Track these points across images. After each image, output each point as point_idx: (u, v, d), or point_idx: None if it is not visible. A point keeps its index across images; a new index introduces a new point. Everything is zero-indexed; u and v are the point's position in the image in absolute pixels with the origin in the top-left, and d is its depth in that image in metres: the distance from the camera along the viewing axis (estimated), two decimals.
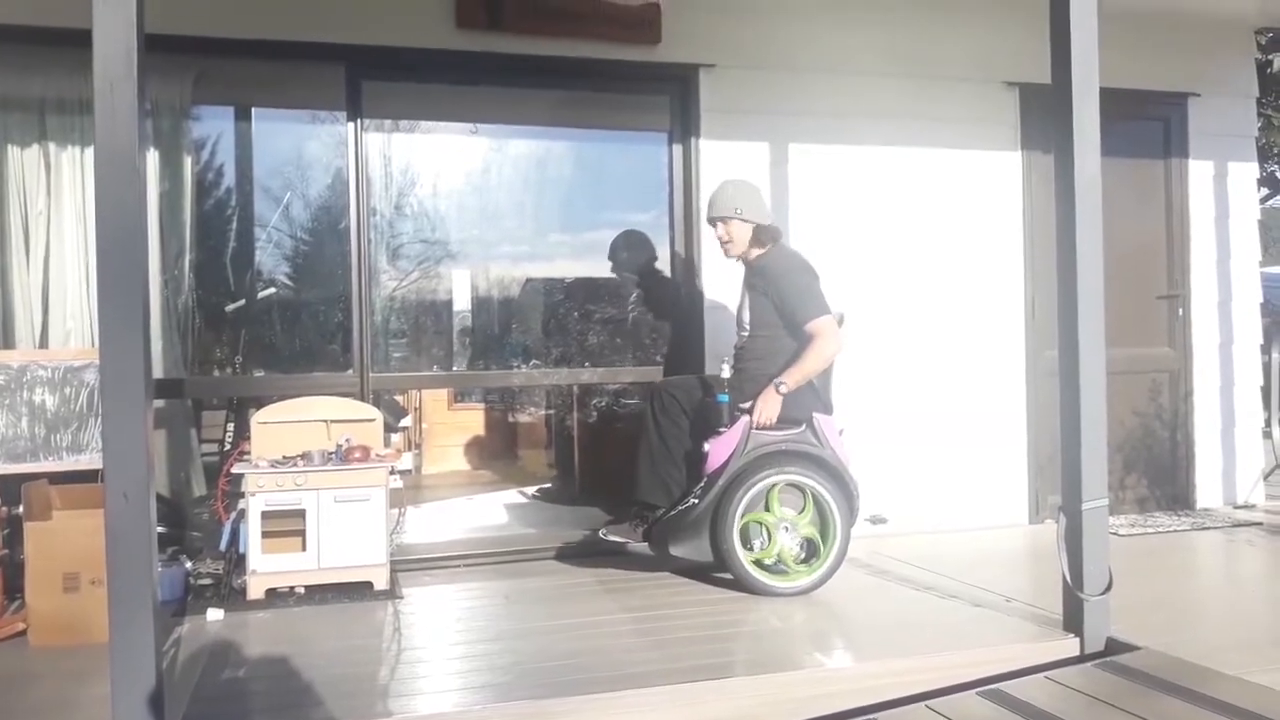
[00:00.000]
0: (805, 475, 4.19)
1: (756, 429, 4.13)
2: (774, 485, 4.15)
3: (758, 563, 4.14)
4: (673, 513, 4.20)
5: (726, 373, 4.33)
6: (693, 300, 5.18)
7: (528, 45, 4.91)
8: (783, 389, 4.13)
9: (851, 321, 4.56)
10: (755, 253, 4.45)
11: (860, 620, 3.88)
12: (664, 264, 5.33)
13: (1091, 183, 3.49)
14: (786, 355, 4.28)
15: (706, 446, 4.17)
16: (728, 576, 4.20)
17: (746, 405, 4.18)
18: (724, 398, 4.27)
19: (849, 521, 4.23)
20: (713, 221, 4.51)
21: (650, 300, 5.40)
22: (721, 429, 4.21)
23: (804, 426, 4.22)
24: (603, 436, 6.18)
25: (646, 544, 4.35)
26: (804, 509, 4.20)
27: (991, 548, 5.12)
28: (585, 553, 4.76)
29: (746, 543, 4.14)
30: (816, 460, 4.21)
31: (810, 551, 4.21)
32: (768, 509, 4.15)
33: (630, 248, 5.38)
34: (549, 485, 6.64)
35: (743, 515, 4.11)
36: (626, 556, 4.56)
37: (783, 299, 4.29)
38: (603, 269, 5.41)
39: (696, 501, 4.13)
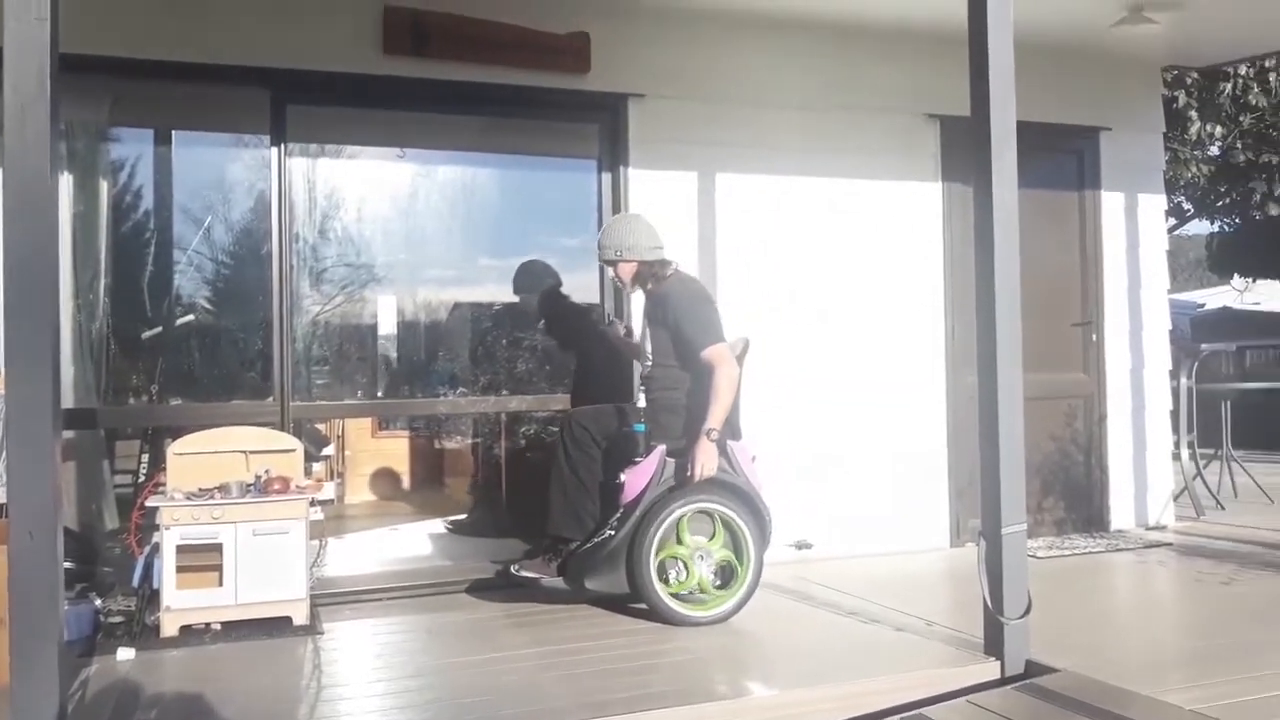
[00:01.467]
0: (718, 503, 4.18)
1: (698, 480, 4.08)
2: (686, 514, 4.13)
3: (674, 594, 4.11)
4: (588, 545, 4.15)
5: (642, 401, 4.34)
6: None
7: (455, 71, 4.89)
8: (714, 435, 4.10)
9: (759, 348, 4.59)
10: (650, 285, 4.45)
11: (782, 648, 3.89)
12: (587, 291, 5.32)
13: (1009, 218, 3.58)
14: (689, 384, 4.29)
15: (622, 477, 4.14)
16: (644, 607, 4.17)
17: (686, 463, 4.10)
18: (640, 427, 4.25)
19: (762, 547, 4.24)
20: (602, 264, 4.56)
21: (574, 329, 5.39)
22: (637, 459, 4.19)
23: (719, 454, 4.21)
24: (530, 466, 6.14)
25: (561, 579, 4.26)
26: (714, 535, 4.19)
27: (914, 571, 5.20)
28: (503, 585, 4.64)
29: (663, 574, 4.12)
30: (730, 487, 4.21)
31: (726, 578, 4.21)
32: (679, 539, 4.13)
33: (535, 275, 5.37)
34: (473, 515, 6.56)
35: (659, 545, 4.08)
36: (544, 590, 4.39)
37: (677, 329, 4.30)
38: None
39: (613, 533, 4.08)
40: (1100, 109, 6.14)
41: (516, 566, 4.37)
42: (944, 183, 5.78)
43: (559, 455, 4.39)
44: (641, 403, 4.33)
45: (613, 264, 4.47)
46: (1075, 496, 6.10)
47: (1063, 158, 6.19)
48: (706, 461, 4.08)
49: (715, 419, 4.12)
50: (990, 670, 3.44)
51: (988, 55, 3.57)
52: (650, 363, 4.43)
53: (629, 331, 4.79)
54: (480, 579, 4.79)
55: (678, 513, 4.12)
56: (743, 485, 4.24)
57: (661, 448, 4.16)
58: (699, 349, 4.23)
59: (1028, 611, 3.48)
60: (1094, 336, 6.17)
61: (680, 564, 4.15)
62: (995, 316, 3.56)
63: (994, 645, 3.50)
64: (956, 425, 5.69)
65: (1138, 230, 6.30)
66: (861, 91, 5.57)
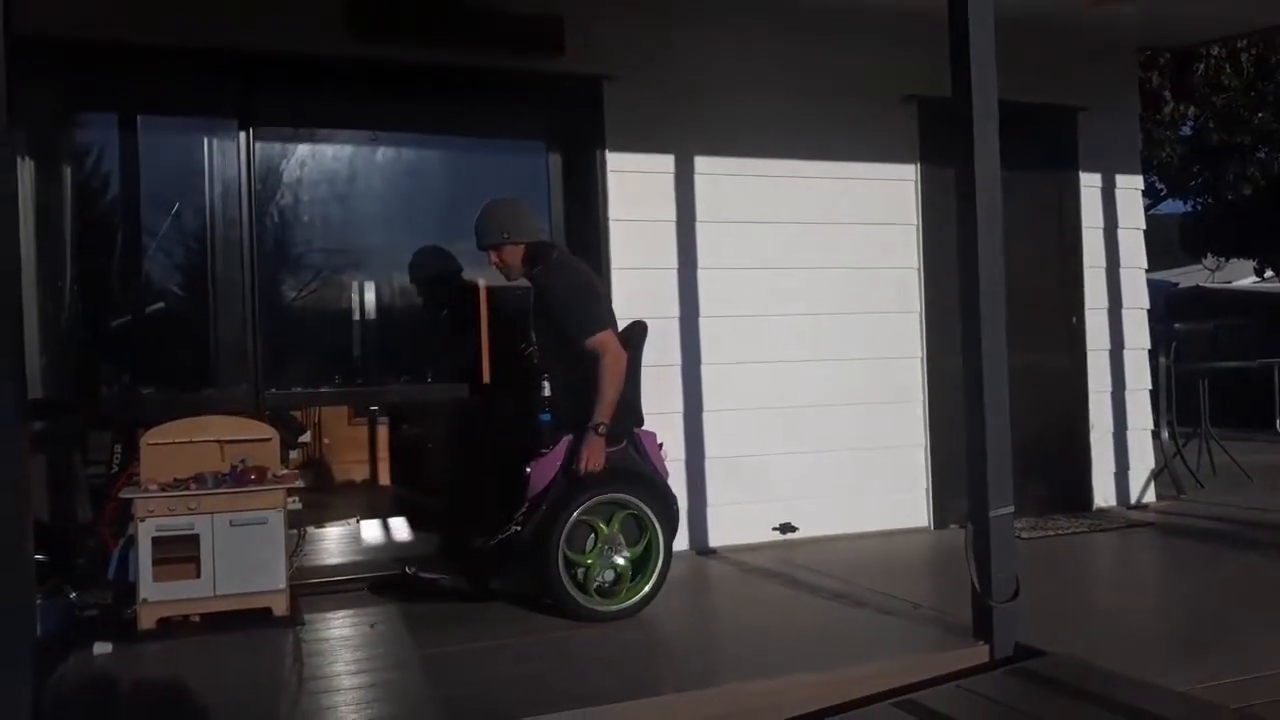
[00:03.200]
0: (628, 493, 4.06)
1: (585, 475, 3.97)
2: (597, 506, 4.00)
3: (581, 587, 3.97)
4: (493, 542, 4.01)
5: (547, 390, 4.20)
6: None
7: (425, 54, 4.81)
8: (602, 429, 3.98)
9: (735, 329, 4.54)
10: (536, 268, 4.30)
11: (768, 633, 3.85)
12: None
13: (992, 198, 3.55)
14: (575, 367, 4.13)
15: (529, 469, 4.02)
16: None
17: (576, 464, 3.98)
18: (546, 417, 4.12)
19: (671, 536, 4.13)
20: (484, 249, 4.35)
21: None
22: (544, 450, 4.07)
23: (624, 443, 4.12)
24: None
25: (464, 579, 4.14)
26: (612, 524, 4.03)
27: (897, 553, 5.20)
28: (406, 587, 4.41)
29: (571, 567, 3.96)
30: (639, 476, 4.13)
31: (634, 571, 4.07)
32: (595, 531, 4.01)
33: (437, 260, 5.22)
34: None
35: (566, 540, 3.94)
36: (446, 590, 4.22)
37: (560, 318, 4.15)
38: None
39: (519, 528, 3.97)
40: (1077, 89, 6.13)
41: (412, 568, 4.20)
42: (921, 163, 5.75)
43: (449, 452, 4.23)
44: (547, 390, 4.19)
45: (497, 248, 4.28)
46: (1057, 477, 6.11)
47: (1040, 138, 6.15)
48: (591, 457, 3.95)
49: (603, 412, 3.99)
50: (979, 654, 3.42)
51: (969, 34, 3.53)
52: (539, 351, 4.30)
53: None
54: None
55: (594, 501, 3.98)
56: (651, 475, 4.16)
57: (567, 438, 4.04)
58: (582, 338, 4.07)
59: (1016, 594, 3.47)
60: (1074, 318, 6.17)
61: (594, 553, 4.00)
62: (979, 298, 3.53)
63: (983, 629, 3.48)
64: (936, 406, 5.69)
65: (1116, 210, 6.30)
66: (839, 73, 5.53)
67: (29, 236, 4.31)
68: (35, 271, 4.39)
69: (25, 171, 4.36)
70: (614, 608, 4.00)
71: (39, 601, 3.04)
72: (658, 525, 4.09)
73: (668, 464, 4.39)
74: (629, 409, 4.18)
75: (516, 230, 4.27)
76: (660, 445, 4.28)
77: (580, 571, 3.98)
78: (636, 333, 4.32)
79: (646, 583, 4.06)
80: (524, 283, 4.38)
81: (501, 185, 5.10)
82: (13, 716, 2.55)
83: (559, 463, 4.01)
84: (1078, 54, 6.05)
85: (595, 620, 3.93)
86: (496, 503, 4.09)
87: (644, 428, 4.25)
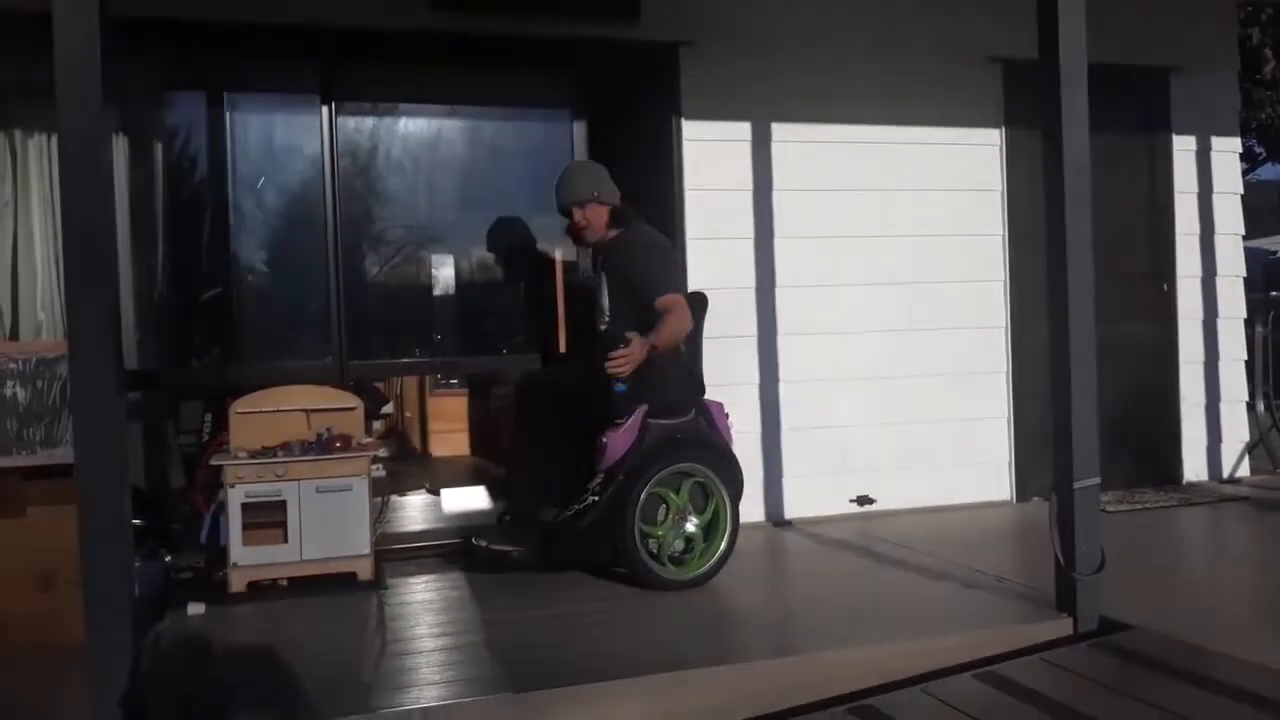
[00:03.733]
0: (696, 462, 4.09)
1: (654, 417, 4.00)
2: (668, 477, 4.02)
3: (654, 557, 3.99)
4: (568, 513, 4.01)
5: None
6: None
7: (501, 25, 4.83)
8: (649, 344, 3.97)
9: (817, 299, 4.47)
10: (611, 234, 4.31)
11: (852, 604, 3.82)
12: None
13: (1081, 163, 3.47)
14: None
15: (604, 439, 4.01)
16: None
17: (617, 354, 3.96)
18: (622, 387, 4.09)
19: (737, 503, 4.16)
20: (566, 208, 4.31)
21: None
22: (619, 420, 4.05)
23: (693, 413, 4.14)
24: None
25: (535, 550, 4.13)
26: (681, 493, 4.06)
27: (979, 526, 5.12)
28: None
29: (645, 539, 3.98)
30: (707, 446, 4.15)
31: (704, 538, 4.10)
32: (666, 502, 4.02)
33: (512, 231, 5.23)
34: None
35: (642, 509, 3.96)
36: (515, 561, 4.20)
37: (636, 278, 4.16)
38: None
39: (596, 499, 3.97)
40: (1170, 49, 5.90)
41: (483, 541, 4.20)
42: (1007, 127, 5.60)
43: (519, 423, 4.21)
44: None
45: (583, 206, 4.26)
46: (1146, 449, 5.94)
47: (1130, 100, 5.94)
48: (634, 354, 3.94)
49: (658, 336, 3.99)
50: (1063, 627, 3.37)
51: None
52: (608, 318, 4.27)
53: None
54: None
55: (669, 470, 4.02)
56: (718, 444, 4.17)
57: (643, 408, 4.04)
58: (653, 297, 4.10)
59: (1101, 567, 3.40)
60: (1165, 285, 5.98)
61: (668, 522, 4.03)
62: (1067, 265, 3.45)
63: (1066, 601, 3.42)
64: (1020, 377, 5.57)
65: (1210, 174, 6.06)
66: (921, 35, 5.40)
67: (123, 214, 4.45)
68: (129, 248, 4.53)
69: (119, 150, 4.49)
70: (687, 575, 4.03)
71: (137, 564, 3.16)
72: (725, 493, 4.11)
73: (743, 435, 4.38)
74: (693, 380, 4.20)
75: (605, 191, 4.28)
76: (727, 415, 4.28)
77: (654, 543, 4.00)
78: (695, 304, 4.31)
79: (716, 550, 4.09)
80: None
81: (574, 156, 5.13)
82: (116, 673, 2.67)
83: (635, 434, 4.02)
84: (1172, 10, 5.83)
85: (669, 588, 3.96)
86: (570, 474, 4.10)
87: (711, 398, 4.26)
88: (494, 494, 4.94)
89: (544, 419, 4.23)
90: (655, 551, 4.00)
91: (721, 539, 4.10)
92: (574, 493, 4.04)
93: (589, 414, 4.10)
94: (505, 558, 4.18)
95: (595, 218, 4.30)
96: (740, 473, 4.23)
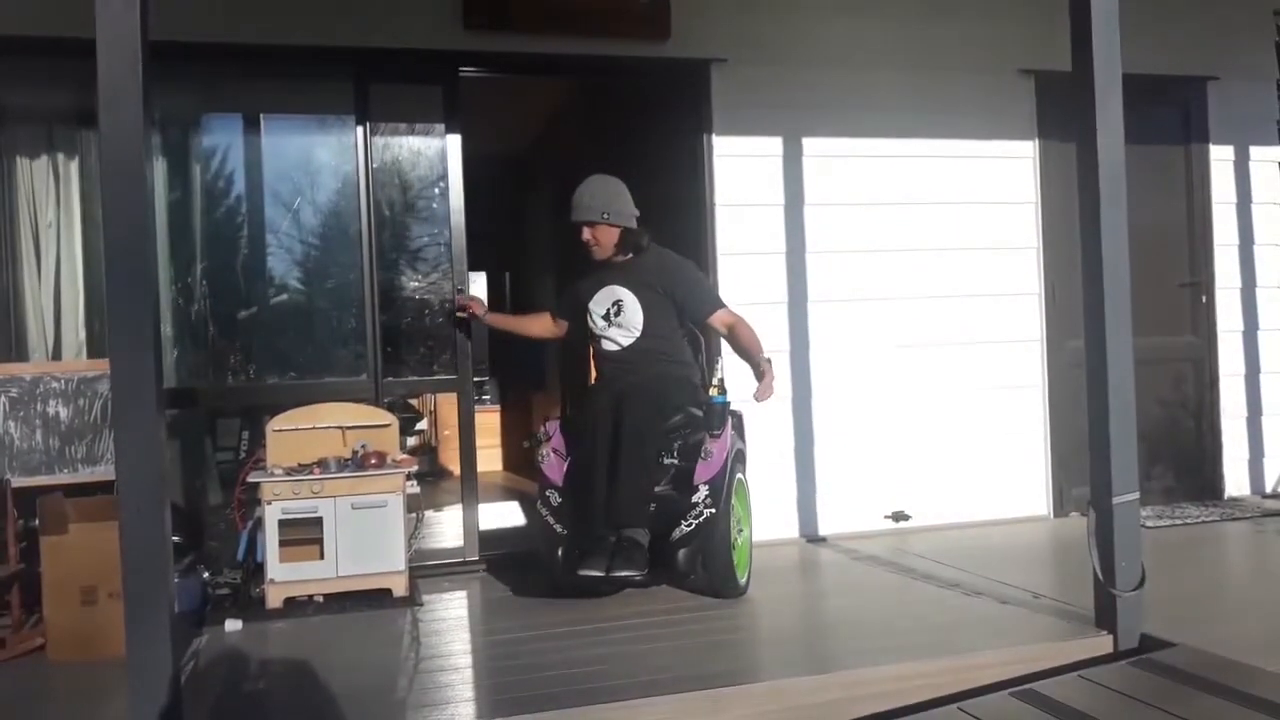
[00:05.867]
0: (744, 472, 4.32)
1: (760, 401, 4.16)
2: (738, 485, 4.19)
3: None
4: (689, 529, 3.93)
5: (720, 372, 4.26)
6: None
7: (534, 44, 4.88)
8: (764, 362, 4.16)
9: (848, 312, 4.72)
10: (624, 256, 4.32)
11: (887, 620, 3.79)
12: None
13: (1116, 174, 3.43)
14: (684, 351, 4.37)
15: (708, 449, 4.02)
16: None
17: (756, 392, 4.13)
18: (722, 399, 4.12)
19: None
20: (578, 225, 4.30)
21: None
22: (716, 431, 4.07)
23: (735, 417, 4.29)
24: None
25: (642, 571, 3.87)
26: (739, 498, 4.25)
27: (1015, 542, 5.06)
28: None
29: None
30: (743, 457, 4.35)
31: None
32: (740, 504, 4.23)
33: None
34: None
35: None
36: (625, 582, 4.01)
37: (681, 295, 4.29)
38: None
39: (713, 511, 3.94)
40: (1206, 58, 5.85)
41: (586, 570, 3.81)
42: (1040, 139, 5.57)
43: (613, 438, 3.94)
44: (720, 373, 4.26)
45: (593, 225, 4.27)
46: (1186, 463, 5.86)
47: (1167, 109, 5.90)
48: (770, 384, 4.13)
49: (762, 354, 4.20)
50: (1103, 644, 3.31)
51: (1090, 3, 3.40)
52: (638, 333, 4.27)
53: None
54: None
55: (736, 480, 4.17)
56: (744, 450, 4.35)
57: (732, 418, 4.19)
58: (709, 313, 4.31)
59: (1142, 584, 3.35)
60: (1204, 297, 5.91)
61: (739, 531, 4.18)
62: (1103, 277, 3.42)
63: (1106, 619, 3.37)
64: (1056, 391, 5.52)
65: (1249, 184, 5.99)
66: (952, 48, 5.39)
67: (162, 233, 4.53)
68: (168, 267, 4.61)
69: (158, 171, 4.58)
70: (742, 580, 4.12)
71: (176, 580, 3.20)
72: (749, 502, 4.36)
73: (776, 451, 4.46)
74: (722, 389, 4.26)
75: (614, 212, 4.28)
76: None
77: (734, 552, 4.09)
78: None
79: (746, 558, 4.21)
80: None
81: (607, 171, 5.15)
82: (155, 687, 2.69)
83: (730, 444, 4.09)
84: (1208, 18, 5.78)
85: (737, 595, 4.07)
86: (640, 491, 3.94)
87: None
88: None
89: (601, 436, 4.01)
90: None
91: (748, 547, 4.26)
92: (678, 510, 3.96)
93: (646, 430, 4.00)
94: (628, 583, 3.96)
95: (604, 237, 4.30)
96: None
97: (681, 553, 3.94)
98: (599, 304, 4.35)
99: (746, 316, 4.33)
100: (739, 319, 4.30)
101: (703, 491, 3.98)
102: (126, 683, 2.68)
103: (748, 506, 4.34)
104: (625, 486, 3.88)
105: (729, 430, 4.10)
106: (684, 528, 3.96)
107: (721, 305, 4.33)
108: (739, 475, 4.21)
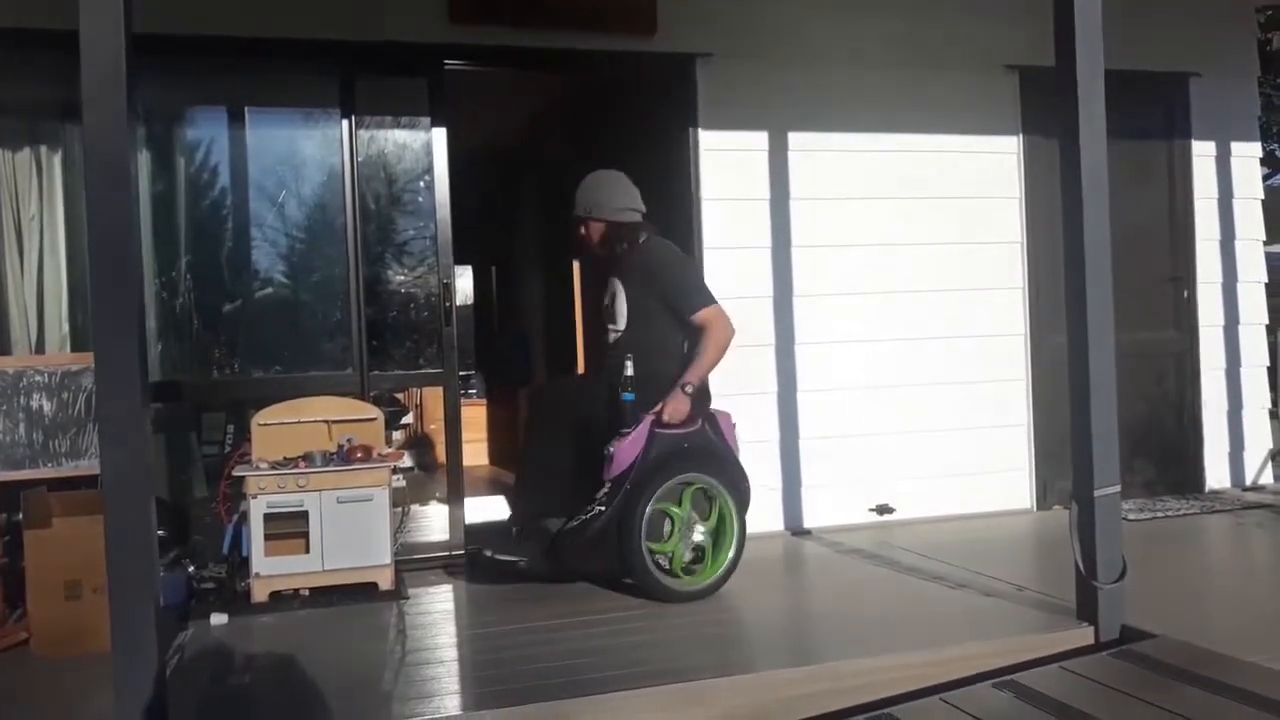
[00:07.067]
0: (705, 473, 4.05)
1: (661, 428, 3.99)
2: (685, 486, 4.01)
3: (664, 569, 3.97)
4: (574, 524, 3.98)
5: (630, 370, 4.13)
6: None
7: (521, 38, 4.87)
8: (689, 389, 3.99)
9: (833, 309, 4.49)
10: (620, 248, 4.29)
11: (871, 613, 3.82)
12: None
13: (1098, 170, 3.45)
14: (670, 346, 4.17)
15: (611, 449, 3.97)
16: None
17: (655, 410, 4.00)
18: (629, 396, 4.07)
19: (743, 512, 4.11)
20: (572, 219, 4.36)
21: None
22: (625, 430, 4.02)
23: (700, 422, 4.07)
24: None
25: (544, 560, 4.06)
26: (684, 503, 4.02)
27: (999, 535, 5.09)
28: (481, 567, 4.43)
29: (654, 554, 3.95)
30: (717, 456, 4.11)
31: (713, 546, 4.06)
32: (670, 516, 3.99)
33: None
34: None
35: (649, 520, 3.93)
36: (517, 572, 4.16)
37: (667, 291, 4.16)
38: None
39: (602, 509, 3.93)
40: (1189, 54, 5.88)
41: (490, 551, 4.14)
42: (1024, 135, 5.60)
43: (527, 432, 4.19)
44: (630, 370, 4.19)
45: (583, 222, 4.30)
46: (1167, 457, 5.91)
47: (1149, 105, 5.93)
48: (676, 406, 3.98)
49: (694, 374, 4.02)
50: (1084, 636, 3.35)
51: (1073, 1, 3.42)
52: (622, 326, 4.26)
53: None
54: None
55: (677, 481, 3.99)
56: (724, 453, 4.13)
57: (649, 418, 4.01)
58: (692, 310, 4.11)
59: (1122, 576, 3.38)
60: (1185, 292, 5.95)
61: (674, 532, 3.99)
62: (1085, 272, 3.44)
63: (1087, 610, 3.40)
64: (1040, 385, 5.55)
65: (1230, 180, 6.04)
66: (936, 44, 5.41)
67: (146, 227, 4.51)
68: (153, 261, 4.59)
69: (142, 164, 4.55)
70: (696, 586, 3.99)
71: (161, 574, 3.19)
72: (731, 502, 4.07)
73: (761, 444, 4.34)
74: (703, 390, 4.14)
75: (600, 208, 4.27)
76: (734, 425, 4.27)
77: (663, 557, 3.98)
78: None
79: (724, 560, 4.04)
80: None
81: (595, 166, 5.15)
82: (140, 682, 2.69)
83: (642, 444, 3.99)
84: (1191, 16, 5.81)
85: (678, 600, 3.93)
86: (578, 485, 4.07)
87: (719, 408, 4.23)
88: (511, 503, 4.94)
89: (553, 429, 4.21)
90: (667, 565, 3.98)
91: (729, 548, 4.06)
92: (581, 503, 4.01)
93: (599, 424, 4.09)
94: (511, 567, 4.13)
95: (593, 233, 4.31)
96: (747, 482, 4.19)
97: (565, 547, 4.00)
98: (605, 294, 4.40)
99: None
100: (712, 323, 4.09)
101: (602, 490, 3.97)
102: (111, 677, 2.68)
103: (728, 516, 4.07)
104: (524, 477, 4.18)
105: (644, 430, 3.99)
106: (569, 523, 3.99)
107: (704, 305, 4.13)
108: (680, 477, 4.00)
